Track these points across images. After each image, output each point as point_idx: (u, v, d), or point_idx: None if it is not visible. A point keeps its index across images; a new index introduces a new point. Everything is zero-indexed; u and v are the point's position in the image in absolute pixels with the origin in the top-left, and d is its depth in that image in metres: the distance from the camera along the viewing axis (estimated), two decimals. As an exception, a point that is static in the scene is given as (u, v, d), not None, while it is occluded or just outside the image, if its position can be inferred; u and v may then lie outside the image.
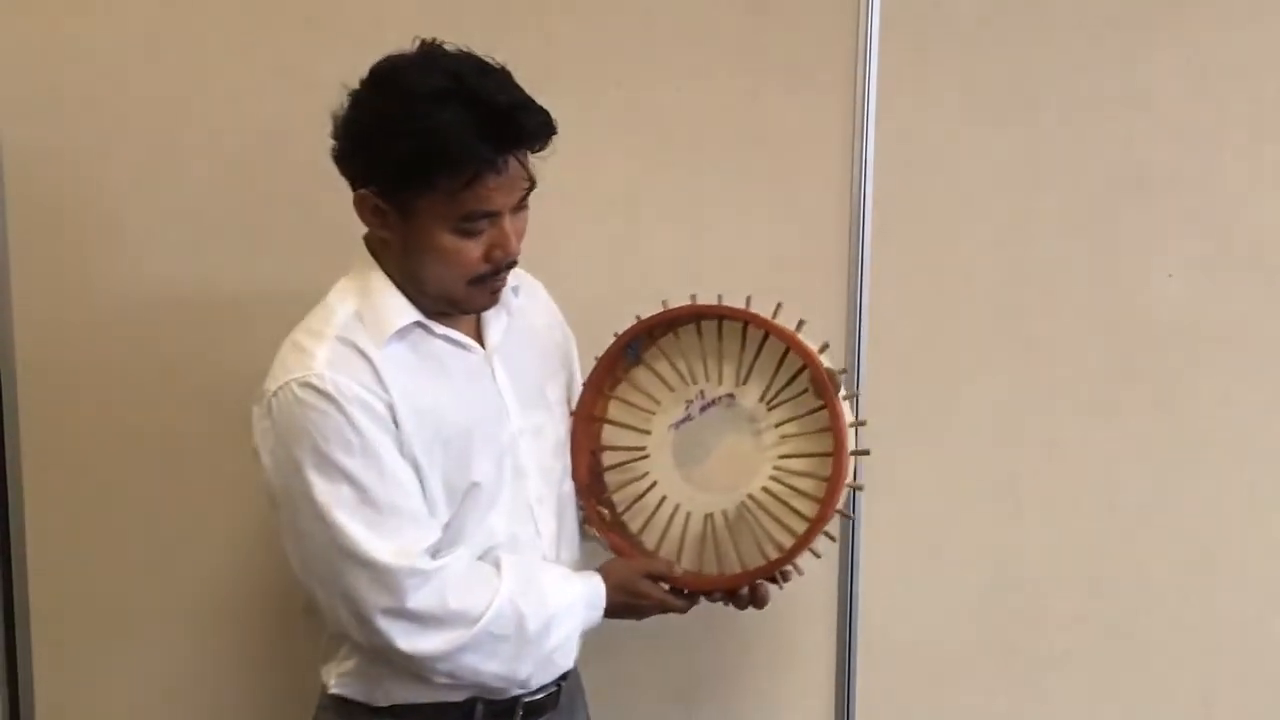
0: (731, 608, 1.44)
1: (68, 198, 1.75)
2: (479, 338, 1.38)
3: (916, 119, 1.70)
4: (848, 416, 1.38)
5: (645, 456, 1.47)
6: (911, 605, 1.78)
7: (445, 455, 1.30)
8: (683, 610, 1.44)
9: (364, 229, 1.33)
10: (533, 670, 1.33)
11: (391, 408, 1.26)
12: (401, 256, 1.29)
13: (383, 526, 1.24)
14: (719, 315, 1.43)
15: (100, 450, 1.80)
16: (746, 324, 1.42)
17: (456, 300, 1.31)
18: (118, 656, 1.85)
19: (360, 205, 1.28)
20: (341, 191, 1.36)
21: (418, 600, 1.25)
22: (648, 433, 1.47)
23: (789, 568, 1.40)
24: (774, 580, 1.42)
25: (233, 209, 1.74)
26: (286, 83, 1.70)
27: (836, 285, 1.72)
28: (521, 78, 1.31)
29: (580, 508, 1.48)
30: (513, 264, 1.31)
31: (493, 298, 1.33)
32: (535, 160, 1.31)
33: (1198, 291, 1.70)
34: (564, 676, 1.43)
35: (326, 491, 1.23)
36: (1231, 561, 1.74)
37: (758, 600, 1.43)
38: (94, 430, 1.80)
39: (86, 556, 1.83)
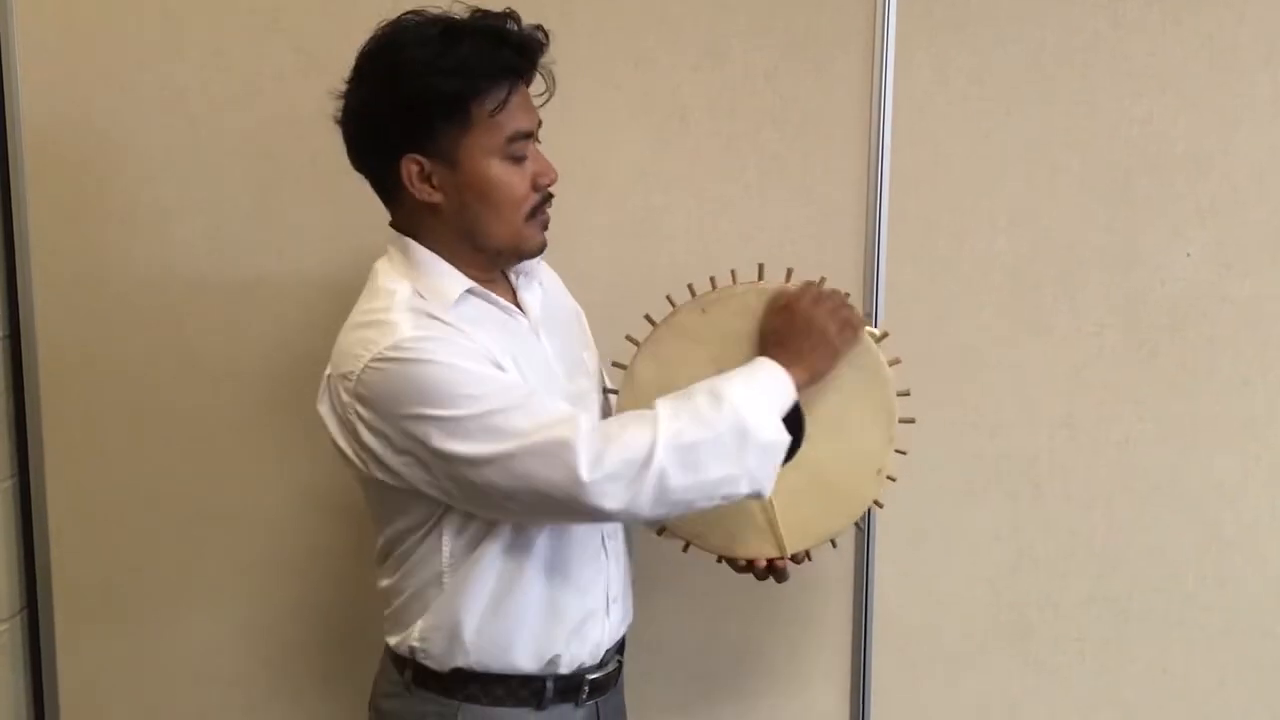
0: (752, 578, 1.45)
1: (90, 181, 1.77)
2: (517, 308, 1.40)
3: (933, 99, 1.69)
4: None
5: None
6: (927, 587, 1.78)
7: None
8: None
9: (388, 216, 1.34)
10: (751, 463, 1.24)
11: (487, 349, 1.26)
12: (458, 213, 1.29)
13: (525, 416, 1.21)
14: None
15: (122, 431, 1.82)
16: None
17: (518, 240, 1.32)
18: (139, 638, 1.87)
19: (407, 174, 1.27)
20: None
21: (595, 461, 1.19)
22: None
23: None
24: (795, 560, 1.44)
25: (253, 191, 1.76)
26: (307, 65, 1.71)
27: (853, 265, 1.72)
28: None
29: None
30: (552, 196, 1.33)
31: (544, 234, 1.34)
32: (553, 143, 1.34)
33: (1216, 271, 1.70)
34: (620, 650, 1.45)
35: (454, 432, 1.20)
36: (1248, 544, 1.74)
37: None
38: (116, 411, 1.82)
39: (109, 538, 1.85)
